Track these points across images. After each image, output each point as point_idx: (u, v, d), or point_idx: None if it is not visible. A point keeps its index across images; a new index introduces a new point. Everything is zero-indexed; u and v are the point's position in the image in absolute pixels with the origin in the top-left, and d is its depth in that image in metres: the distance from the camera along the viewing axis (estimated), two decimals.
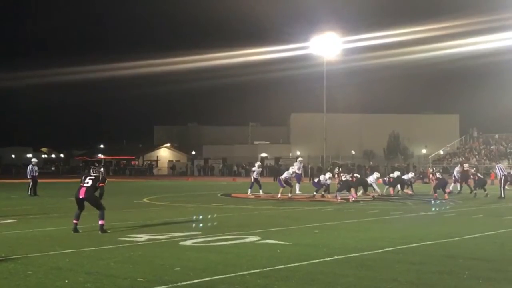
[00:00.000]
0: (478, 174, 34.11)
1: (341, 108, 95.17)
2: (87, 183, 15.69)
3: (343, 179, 27.76)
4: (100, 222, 15.29)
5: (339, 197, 26.63)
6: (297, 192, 30.97)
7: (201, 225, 16.65)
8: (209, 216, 19.16)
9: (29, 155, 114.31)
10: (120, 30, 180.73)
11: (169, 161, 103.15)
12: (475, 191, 31.05)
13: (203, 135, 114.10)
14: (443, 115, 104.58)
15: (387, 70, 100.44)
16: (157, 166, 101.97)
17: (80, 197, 15.50)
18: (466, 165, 37.02)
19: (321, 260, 10.85)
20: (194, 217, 16.62)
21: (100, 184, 15.88)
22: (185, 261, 10.67)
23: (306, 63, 74.94)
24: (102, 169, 16.66)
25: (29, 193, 31.44)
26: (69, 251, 11.96)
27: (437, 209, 22.84)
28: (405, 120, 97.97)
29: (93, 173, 16.03)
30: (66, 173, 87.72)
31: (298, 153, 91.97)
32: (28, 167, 32.77)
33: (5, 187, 46.78)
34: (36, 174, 32.42)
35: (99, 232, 15.05)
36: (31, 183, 31.88)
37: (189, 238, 13.78)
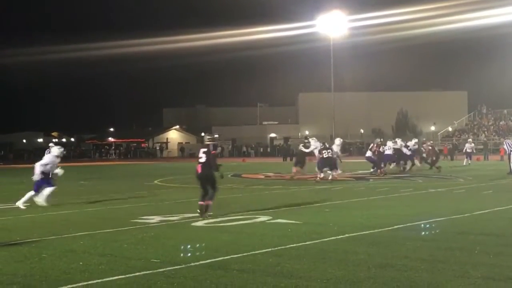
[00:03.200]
0: (436, 149, 36.18)
1: (349, 86, 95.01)
2: (201, 157, 14.85)
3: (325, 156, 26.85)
4: (207, 203, 14.46)
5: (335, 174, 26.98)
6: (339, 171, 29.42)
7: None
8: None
9: (40, 140, 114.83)
10: (128, 11, 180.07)
11: (178, 143, 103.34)
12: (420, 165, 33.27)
13: (211, 117, 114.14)
14: (451, 92, 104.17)
15: (394, 47, 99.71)
16: (167, 148, 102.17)
17: (199, 172, 14.73)
18: (429, 143, 37.96)
19: (332, 238, 10.88)
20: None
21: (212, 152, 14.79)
22: (197, 242, 10.70)
23: (313, 42, 74.65)
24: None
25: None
26: (83, 233, 12.03)
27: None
28: (413, 98, 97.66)
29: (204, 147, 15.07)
30: (77, 157, 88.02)
31: (307, 132, 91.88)
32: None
33: (18, 172, 47.05)
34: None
35: (198, 211, 14.29)
36: None
37: (200, 218, 13.83)
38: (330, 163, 26.62)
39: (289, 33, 76.42)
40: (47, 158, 18.47)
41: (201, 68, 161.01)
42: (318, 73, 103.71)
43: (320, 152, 27.33)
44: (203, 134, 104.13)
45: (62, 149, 19.62)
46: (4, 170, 51.58)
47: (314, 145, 28.98)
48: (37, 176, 17.80)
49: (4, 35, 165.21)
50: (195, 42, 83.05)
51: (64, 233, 12.16)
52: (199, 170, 14.64)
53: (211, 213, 14.34)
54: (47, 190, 17.90)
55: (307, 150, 28.92)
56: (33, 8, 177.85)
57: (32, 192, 17.66)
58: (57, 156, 18.54)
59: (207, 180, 14.61)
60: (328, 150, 26.83)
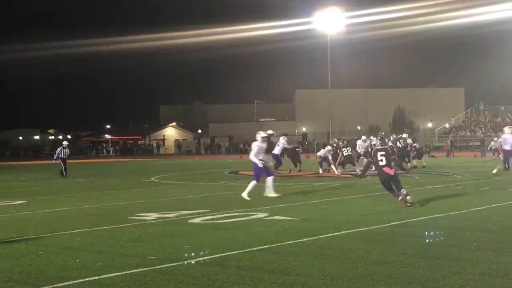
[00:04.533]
0: (416, 145, 34.65)
1: (345, 83, 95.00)
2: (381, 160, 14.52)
3: (345, 154, 28.16)
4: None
5: (339, 171, 27.26)
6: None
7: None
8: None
9: (37, 137, 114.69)
10: (124, 8, 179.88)
11: (175, 140, 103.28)
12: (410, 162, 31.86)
13: (208, 114, 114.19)
14: (448, 89, 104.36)
15: (391, 44, 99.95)
16: (163, 145, 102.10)
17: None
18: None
19: (329, 235, 10.88)
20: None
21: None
22: (194, 239, 10.72)
23: (310, 39, 74.59)
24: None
25: (63, 175, 30.91)
26: (79, 231, 12.02)
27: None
28: (410, 94, 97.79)
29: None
30: (73, 154, 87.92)
31: (304, 129, 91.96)
32: (58, 149, 32.28)
33: (14, 169, 47.03)
34: (64, 156, 31.68)
35: None
36: (62, 165, 31.28)
37: (197, 216, 13.83)
38: (350, 160, 28.62)
39: (286, 29, 76.40)
40: (256, 147, 17.89)
41: (198, 65, 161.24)
42: (315, 70, 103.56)
43: (340, 150, 29.24)
44: (199, 131, 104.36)
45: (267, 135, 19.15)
46: (2, 167, 51.52)
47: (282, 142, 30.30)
48: (260, 163, 17.47)
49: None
50: (192, 39, 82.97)
51: (60, 230, 12.15)
52: None
53: None
54: (270, 181, 17.76)
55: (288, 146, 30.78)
56: (30, 3, 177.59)
57: (254, 182, 17.46)
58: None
59: None
60: (348, 148, 29.05)
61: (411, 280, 7.46)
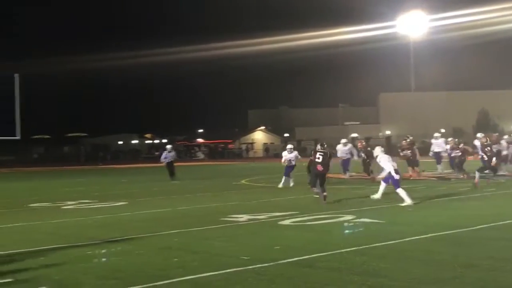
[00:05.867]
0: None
1: (428, 86, 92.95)
2: (318, 158, 17.37)
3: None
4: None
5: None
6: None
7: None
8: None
9: (135, 141, 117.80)
10: (213, 14, 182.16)
11: (263, 143, 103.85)
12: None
13: (294, 118, 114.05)
14: None
15: (474, 45, 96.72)
16: (252, 148, 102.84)
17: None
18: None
19: (416, 237, 10.67)
20: None
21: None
22: (284, 240, 10.75)
23: (393, 42, 73.47)
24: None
25: (172, 176, 30.11)
26: (176, 231, 12.28)
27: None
28: (494, 97, 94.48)
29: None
30: None
31: (388, 132, 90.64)
32: (163, 153, 31.31)
33: (115, 172, 48.53)
34: (168, 159, 30.58)
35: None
36: (167, 168, 30.45)
37: (287, 217, 13.85)
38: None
39: (370, 33, 75.37)
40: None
41: (283, 69, 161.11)
42: (399, 73, 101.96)
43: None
44: (286, 134, 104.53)
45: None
46: (103, 170, 53.24)
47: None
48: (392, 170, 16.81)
49: (99, 38, 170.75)
50: (277, 44, 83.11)
51: (159, 230, 12.44)
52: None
53: None
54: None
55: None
56: (127, 12, 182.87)
57: (384, 184, 17.18)
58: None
59: None
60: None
61: (500, 284, 7.23)
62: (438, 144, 29.32)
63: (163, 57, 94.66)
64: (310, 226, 12.57)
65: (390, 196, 17.58)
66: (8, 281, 8.01)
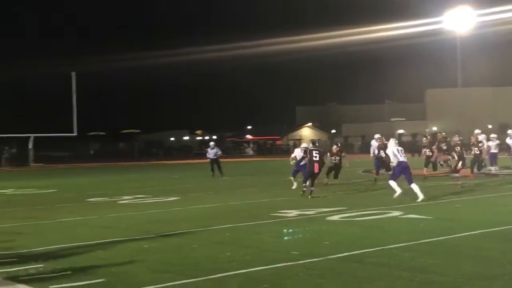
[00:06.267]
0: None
1: (475, 82, 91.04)
2: (315, 157, 18.23)
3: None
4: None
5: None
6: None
7: None
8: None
9: (186, 138, 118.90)
10: (261, 12, 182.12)
11: (311, 139, 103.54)
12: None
13: (341, 114, 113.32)
14: None
15: None
16: (300, 145, 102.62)
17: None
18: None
19: (464, 234, 10.53)
20: None
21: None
22: (333, 235, 10.75)
23: (439, 38, 72.10)
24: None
25: (218, 173, 29.68)
26: (227, 226, 12.38)
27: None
28: None
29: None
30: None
31: (434, 128, 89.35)
32: (209, 150, 31.00)
33: (167, 167, 49.13)
34: (211, 156, 30.32)
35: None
36: (210, 165, 30.25)
37: (335, 213, 13.83)
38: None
39: (416, 29, 73.96)
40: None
41: (330, 66, 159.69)
42: (445, 69, 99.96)
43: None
44: (333, 131, 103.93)
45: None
46: (156, 166, 53.97)
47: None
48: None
49: (148, 37, 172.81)
50: (325, 40, 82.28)
51: (210, 225, 12.56)
52: None
53: None
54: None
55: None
56: (177, 10, 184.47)
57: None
58: None
59: None
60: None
61: None
62: (491, 145, 28.22)
63: (213, 54, 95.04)
64: (358, 221, 12.52)
65: (438, 193, 17.39)
66: (68, 273, 8.22)
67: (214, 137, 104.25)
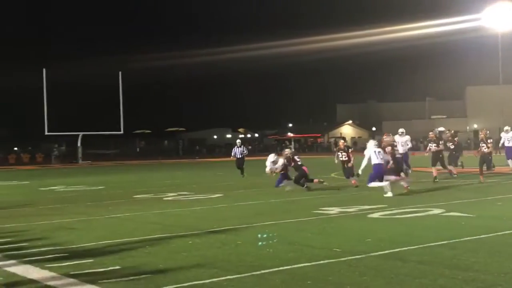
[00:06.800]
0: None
1: None
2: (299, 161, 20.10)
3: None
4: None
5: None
6: None
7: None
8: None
9: (229, 136, 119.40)
10: (303, 11, 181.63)
11: (351, 137, 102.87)
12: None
13: (382, 112, 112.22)
14: None
15: None
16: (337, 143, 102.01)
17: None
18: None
19: (507, 232, 10.33)
20: None
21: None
22: (374, 233, 10.65)
23: (480, 35, 70.76)
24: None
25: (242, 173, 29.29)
26: (270, 223, 12.37)
27: None
28: None
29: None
30: (260, 151, 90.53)
31: (475, 126, 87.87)
32: (234, 149, 30.68)
33: (211, 165, 49.40)
34: (237, 155, 29.98)
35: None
36: (236, 164, 30.02)
37: (376, 210, 13.71)
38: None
39: (456, 26, 72.81)
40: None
41: (371, 63, 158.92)
42: (486, 66, 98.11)
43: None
44: (374, 128, 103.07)
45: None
46: (199, 163, 54.35)
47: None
48: None
49: (196, 36, 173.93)
50: (366, 38, 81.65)
51: (253, 222, 12.58)
52: None
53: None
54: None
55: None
56: (220, 9, 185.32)
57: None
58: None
59: None
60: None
61: None
62: (509, 138, 27.35)
63: (256, 52, 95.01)
64: (399, 219, 12.39)
65: (479, 190, 17.08)
66: (116, 268, 8.34)
67: (256, 135, 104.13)
